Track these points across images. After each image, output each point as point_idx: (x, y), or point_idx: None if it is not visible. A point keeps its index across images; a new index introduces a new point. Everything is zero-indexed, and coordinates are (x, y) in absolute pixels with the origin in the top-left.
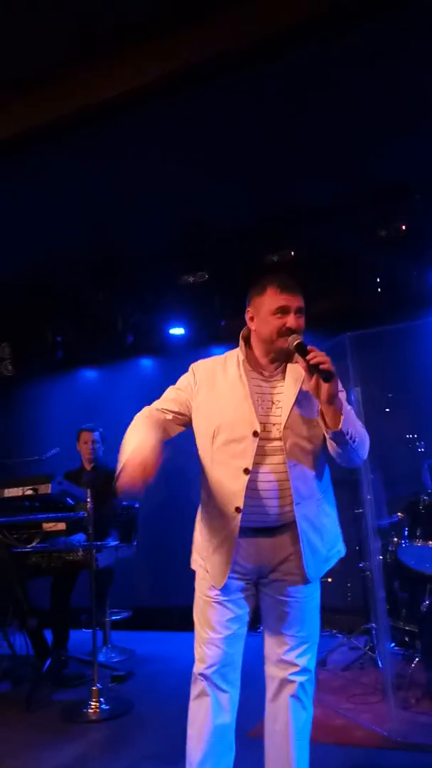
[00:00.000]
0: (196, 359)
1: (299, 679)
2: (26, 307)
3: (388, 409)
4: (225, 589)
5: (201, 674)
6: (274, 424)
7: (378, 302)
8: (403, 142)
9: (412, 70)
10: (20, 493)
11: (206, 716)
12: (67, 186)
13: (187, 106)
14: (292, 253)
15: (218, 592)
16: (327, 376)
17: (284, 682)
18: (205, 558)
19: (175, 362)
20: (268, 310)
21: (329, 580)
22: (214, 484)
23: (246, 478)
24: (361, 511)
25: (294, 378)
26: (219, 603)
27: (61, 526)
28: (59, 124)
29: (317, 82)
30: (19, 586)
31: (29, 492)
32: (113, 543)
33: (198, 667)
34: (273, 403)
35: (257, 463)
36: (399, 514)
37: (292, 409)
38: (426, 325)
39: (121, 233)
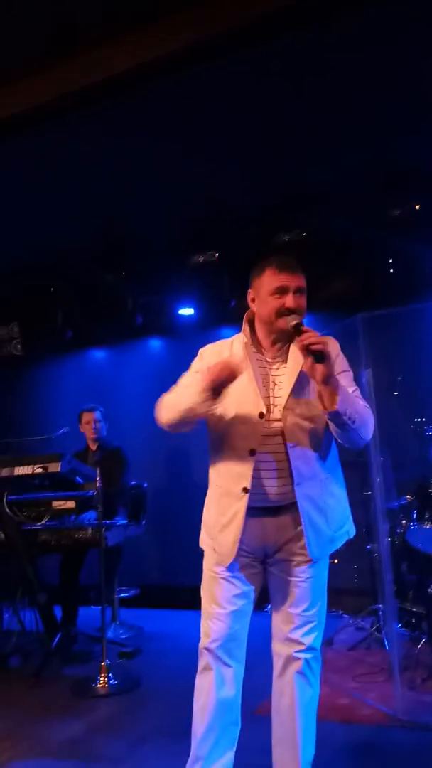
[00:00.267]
0: (205, 340)
1: (305, 656)
2: (35, 287)
3: (397, 392)
4: (231, 566)
5: (206, 648)
6: (275, 405)
7: (390, 284)
8: (416, 123)
9: (427, 52)
10: (30, 472)
11: (210, 690)
12: (76, 167)
13: (195, 85)
14: (304, 233)
15: (224, 569)
16: (319, 357)
17: (290, 660)
18: (213, 537)
19: (185, 343)
20: (267, 291)
21: (335, 561)
22: (222, 464)
23: (252, 459)
24: (369, 493)
25: (296, 359)
26: (225, 579)
27: (71, 504)
28: (65, 103)
29: (331, 62)
30: (29, 563)
31: (39, 470)
32: (122, 522)
33: (203, 642)
34: (275, 384)
35: (260, 444)
36: (408, 496)
37: (292, 390)
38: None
39: (130, 214)
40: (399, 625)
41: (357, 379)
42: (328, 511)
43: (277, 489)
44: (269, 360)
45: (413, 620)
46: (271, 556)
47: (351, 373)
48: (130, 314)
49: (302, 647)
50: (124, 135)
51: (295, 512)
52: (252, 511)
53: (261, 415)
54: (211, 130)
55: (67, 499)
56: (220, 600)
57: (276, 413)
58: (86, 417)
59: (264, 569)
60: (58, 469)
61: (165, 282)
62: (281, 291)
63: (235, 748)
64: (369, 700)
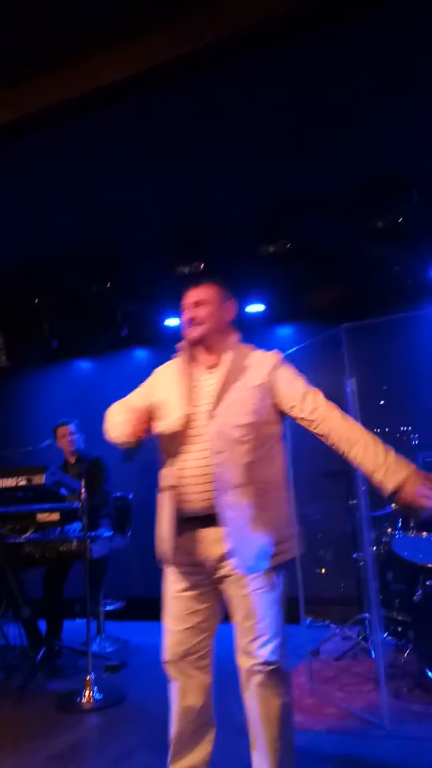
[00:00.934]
0: None
1: (262, 669)
2: (20, 297)
3: (382, 402)
4: (184, 584)
5: (165, 662)
6: (203, 413)
7: (374, 294)
8: (402, 133)
9: (412, 62)
10: (14, 484)
11: (174, 698)
12: (63, 176)
13: (183, 96)
14: (288, 245)
15: (178, 588)
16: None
17: (250, 672)
18: (158, 540)
19: (170, 353)
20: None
21: (322, 571)
22: (162, 470)
23: (178, 463)
24: (355, 502)
25: (228, 368)
26: (178, 597)
27: (55, 516)
28: (56, 111)
29: (315, 74)
30: (13, 576)
31: (23, 483)
32: (108, 533)
33: (163, 656)
34: (205, 393)
35: (187, 450)
36: (393, 505)
37: (221, 398)
38: (421, 317)
39: (117, 224)
40: (385, 634)
41: (342, 389)
42: (260, 523)
43: (202, 496)
44: (203, 370)
45: (399, 629)
46: (216, 572)
47: (296, 375)
48: (115, 325)
49: (258, 661)
50: (113, 145)
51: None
52: (187, 523)
53: (186, 421)
54: (201, 142)
55: (51, 511)
56: (175, 618)
57: (202, 420)
58: (61, 431)
59: (217, 585)
60: (43, 482)
61: (151, 292)
62: (185, 307)
63: (211, 745)
64: (355, 710)
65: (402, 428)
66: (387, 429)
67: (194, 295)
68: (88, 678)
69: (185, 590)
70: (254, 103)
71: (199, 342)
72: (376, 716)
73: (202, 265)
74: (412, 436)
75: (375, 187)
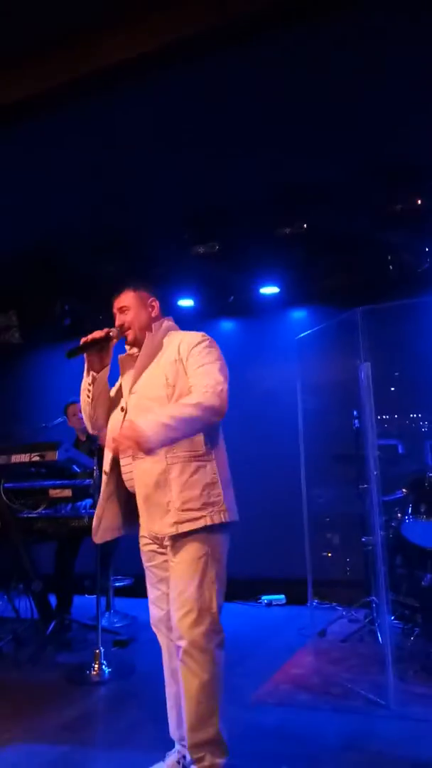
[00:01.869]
0: (204, 330)
1: (182, 644)
2: (34, 275)
3: (393, 388)
4: (147, 555)
5: (152, 624)
6: (130, 393)
7: (390, 279)
8: (419, 119)
9: (428, 48)
10: (27, 460)
11: (163, 660)
12: (78, 157)
13: (197, 77)
14: (305, 226)
15: (145, 558)
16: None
17: (175, 646)
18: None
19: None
20: None
21: (329, 554)
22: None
23: (114, 445)
24: (365, 486)
25: (146, 352)
26: (147, 568)
27: (67, 492)
28: (65, 92)
29: (334, 59)
30: (25, 551)
31: (36, 458)
32: None
33: (151, 619)
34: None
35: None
36: (403, 490)
37: (138, 375)
38: None
39: (130, 205)
40: (392, 618)
41: (355, 373)
42: (172, 488)
43: (128, 468)
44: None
45: (406, 613)
46: (161, 541)
47: (206, 358)
48: None
49: (178, 633)
50: (126, 126)
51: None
52: (132, 496)
53: (122, 409)
54: (213, 123)
55: (63, 487)
56: (149, 586)
57: (127, 397)
58: (72, 409)
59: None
60: (56, 458)
61: (165, 273)
62: (114, 314)
63: None
64: (361, 691)
65: (412, 415)
66: (396, 415)
67: (117, 303)
68: (97, 651)
69: (149, 561)
70: (271, 84)
71: (134, 343)
72: (381, 697)
73: (217, 246)
74: (421, 423)
75: (392, 173)
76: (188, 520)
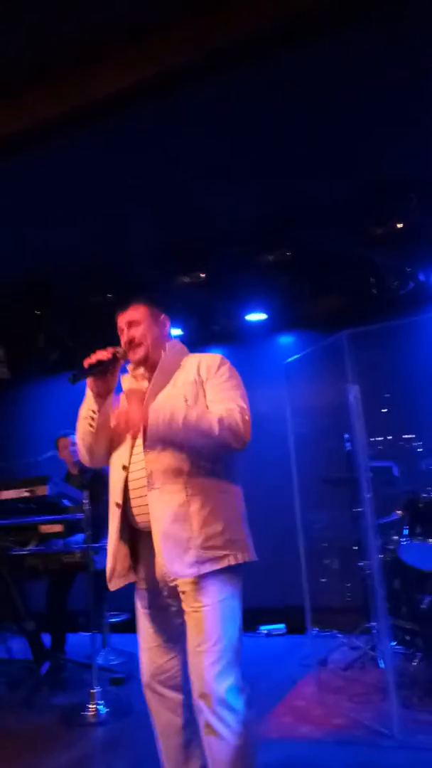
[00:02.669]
0: None
1: (205, 702)
2: (21, 308)
3: (385, 409)
4: (146, 601)
5: (143, 683)
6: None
7: (375, 301)
8: (400, 139)
9: (409, 70)
10: (16, 495)
11: (153, 717)
12: (62, 188)
13: (180, 107)
14: (288, 253)
15: (142, 604)
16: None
17: (195, 705)
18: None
19: None
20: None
21: (323, 580)
22: (110, 484)
23: (124, 474)
24: (359, 510)
25: (162, 372)
26: (144, 615)
27: (58, 528)
28: (52, 125)
29: (313, 83)
30: (16, 589)
31: (26, 494)
32: None
33: (141, 678)
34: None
35: (137, 463)
36: (398, 511)
37: (152, 398)
38: (423, 322)
39: (118, 234)
40: (394, 643)
41: (344, 396)
42: (194, 524)
43: (140, 501)
44: (147, 383)
45: (407, 637)
46: (169, 586)
47: (229, 382)
48: (117, 337)
49: (200, 689)
50: (110, 155)
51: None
52: (145, 540)
53: (133, 435)
54: (196, 151)
55: (54, 522)
56: (143, 635)
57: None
58: (62, 442)
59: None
60: (45, 492)
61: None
62: (121, 331)
63: (200, 762)
64: (365, 720)
65: (405, 435)
66: (390, 437)
67: (125, 317)
68: (92, 691)
69: (151, 608)
70: (253, 112)
71: (143, 362)
72: (385, 726)
73: (202, 274)
74: (415, 444)
75: (374, 194)
76: (210, 560)
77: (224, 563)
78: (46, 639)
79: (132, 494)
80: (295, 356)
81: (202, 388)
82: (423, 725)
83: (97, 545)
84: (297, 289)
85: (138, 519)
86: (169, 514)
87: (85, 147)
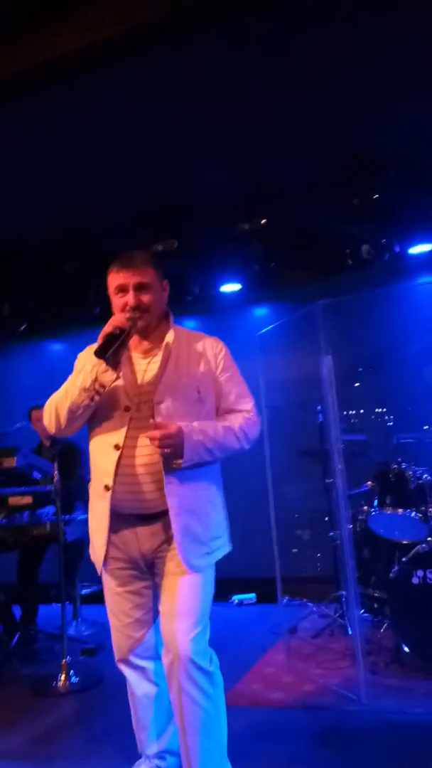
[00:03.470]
0: None
1: (180, 661)
2: None
3: (358, 384)
4: (121, 580)
5: (118, 660)
6: (144, 403)
7: (351, 272)
8: (378, 112)
9: (390, 44)
10: None
11: (131, 689)
12: (32, 151)
13: (154, 70)
14: (263, 221)
15: (117, 583)
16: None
17: (170, 665)
18: (90, 537)
19: None
20: (111, 291)
21: (294, 550)
22: (93, 463)
23: (116, 454)
24: (331, 480)
25: (169, 350)
26: (119, 594)
27: (27, 500)
28: (21, 82)
29: (295, 53)
30: None
31: None
32: (82, 516)
33: (115, 654)
34: (144, 379)
35: (131, 442)
36: (369, 483)
37: (162, 382)
38: (397, 292)
39: (91, 202)
40: (362, 611)
41: (318, 368)
42: (206, 519)
43: (151, 487)
44: (140, 354)
45: (375, 605)
46: (152, 563)
47: (236, 374)
48: (89, 305)
49: (175, 648)
50: (80, 119)
51: (167, 518)
52: (126, 519)
53: (126, 408)
54: (169, 118)
55: (23, 494)
56: (118, 614)
57: (146, 410)
58: (36, 414)
59: (153, 575)
60: (14, 464)
61: None
62: (121, 289)
63: (173, 726)
64: (333, 686)
65: (377, 410)
66: (362, 410)
67: (137, 277)
68: (63, 662)
69: (125, 585)
70: (232, 79)
71: (142, 332)
72: (353, 692)
73: (176, 243)
74: (387, 417)
75: (351, 166)
76: (215, 551)
77: (222, 553)
78: (17, 610)
79: (120, 478)
80: (269, 327)
81: (213, 381)
82: (389, 690)
83: (68, 517)
84: (272, 260)
85: (126, 504)
86: (186, 510)
87: (50, 109)
